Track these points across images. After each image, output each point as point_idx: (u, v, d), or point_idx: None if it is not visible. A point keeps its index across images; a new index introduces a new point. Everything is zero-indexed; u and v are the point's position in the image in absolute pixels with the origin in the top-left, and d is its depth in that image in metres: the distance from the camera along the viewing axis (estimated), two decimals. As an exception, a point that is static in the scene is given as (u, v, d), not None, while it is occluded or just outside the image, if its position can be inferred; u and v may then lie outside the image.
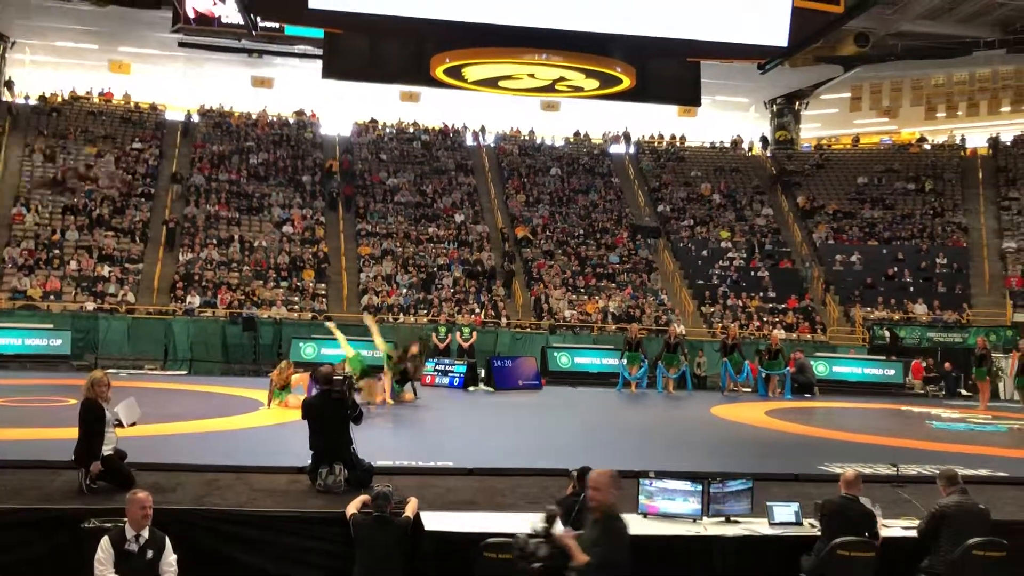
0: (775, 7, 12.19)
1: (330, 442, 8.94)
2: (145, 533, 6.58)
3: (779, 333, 24.50)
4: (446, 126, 37.84)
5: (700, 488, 8.05)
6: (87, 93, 36.13)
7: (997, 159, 36.17)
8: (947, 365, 24.33)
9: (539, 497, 8.78)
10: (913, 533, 7.58)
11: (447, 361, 21.07)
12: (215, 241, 28.16)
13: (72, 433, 10.75)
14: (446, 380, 20.30)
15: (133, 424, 9.15)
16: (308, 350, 22.59)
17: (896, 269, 30.99)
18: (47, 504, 7.85)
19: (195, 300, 25.06)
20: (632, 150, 38.72)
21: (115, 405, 8.98)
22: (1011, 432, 16.08)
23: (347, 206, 31.74)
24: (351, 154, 34.81)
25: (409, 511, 7.42)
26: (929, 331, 26.53)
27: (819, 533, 7.46)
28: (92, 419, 8.49)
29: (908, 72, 37.58)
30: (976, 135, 38.33)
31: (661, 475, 8.35)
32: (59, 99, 34.96)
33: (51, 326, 22.30)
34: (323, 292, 27.11)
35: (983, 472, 11.00)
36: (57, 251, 26.40)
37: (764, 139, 40.50)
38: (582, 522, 7.13)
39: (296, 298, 26.36)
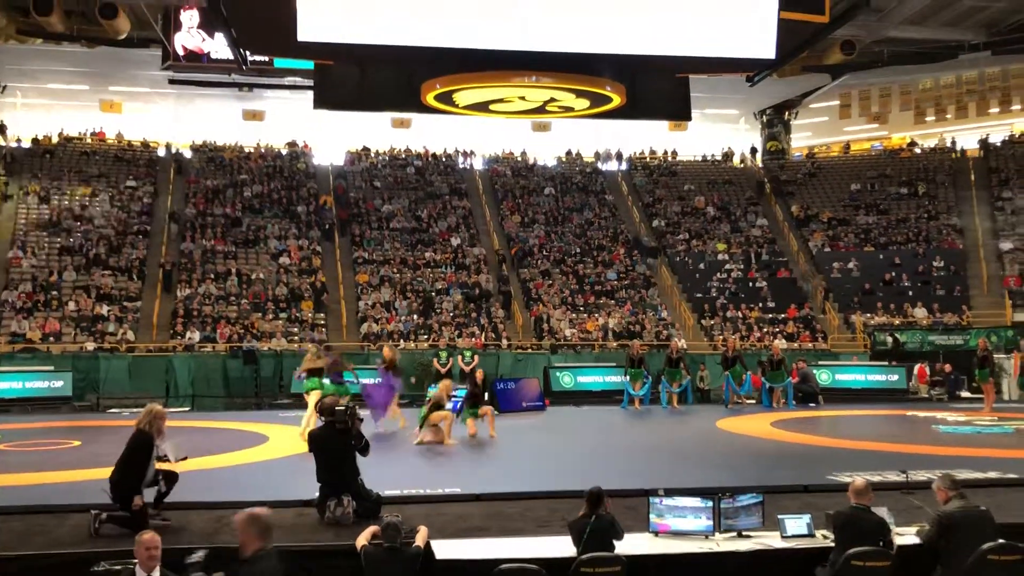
0: (761, 19, 12.26)
1: (337, 474, 8.92)
2: (156, 574, 6.54)
3: (780, 343, 24.49)
4: (426, 150, 37.94)
5: (710, 504, 8.02)
6: (80, 134, 36.27)
7: (988, 160, 36.32)
8: (946, 367, 24.27)
9: (549, 520, 8.75)
10: (926, 540, 7.52)
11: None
12: (212, 276, 28.17)
13: (78, 475, 10.71)
14: (449, 405, 20.13)
15: (183, 459, 9.15)
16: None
17: (894, 274, 31.03)
18: (55, 549, 7.80)
19: (195, 335, 25.02)
20: (625, 167, 38.86)
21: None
22: (1017, 433, 16.04)
23: (342, 231, 31.80)
24: (344, 180, 34.93)
25: (420, 540, 7.37)
26: (930, 334, 26.52)
27: (832, 544, 7.41)
28: (140, 452, 8.61)
29: (896, 77, 37.79)
30: (966, 137, 38.51)
31: (671, 492, 8.31)
32: (52, 141, 35.10)
33: (51, 368, 22.22)
34: (322, 322, 27.09)
35: (992, 475, 10.98)
36: (55, 292, 26.40)
37: (754, 150, 40.66)
38: (592, 545, 7.10)
39: (296, 329, 26.33)
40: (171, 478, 8.89)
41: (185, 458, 9.24)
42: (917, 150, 38.97)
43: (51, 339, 24.52)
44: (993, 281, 30.14)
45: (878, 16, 30.13)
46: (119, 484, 8.48)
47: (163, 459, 8.83)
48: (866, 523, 7.29)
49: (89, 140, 36.21)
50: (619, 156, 39.06)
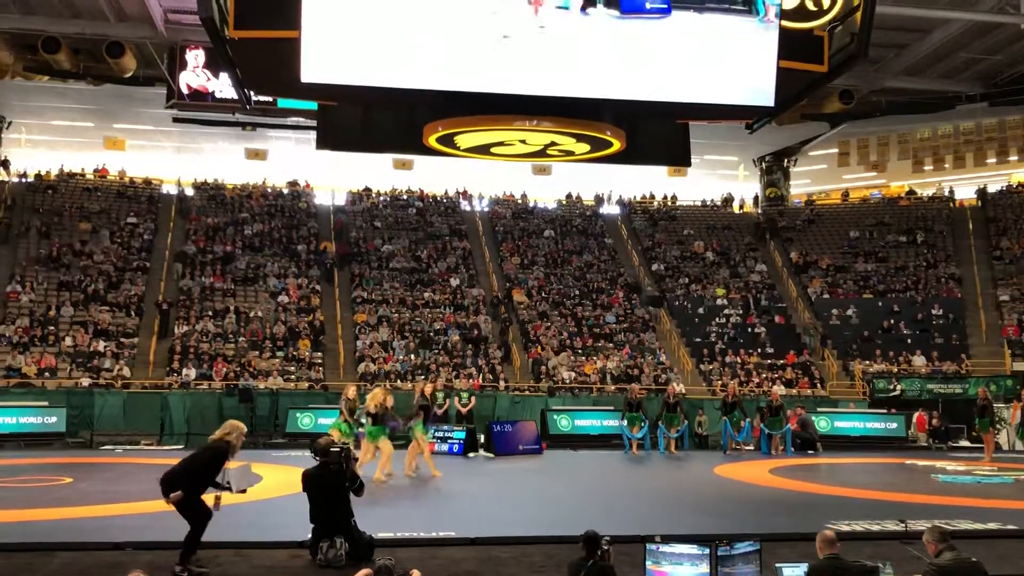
0: (760, 68, 12.39)
1: (330, 515, 8.84)
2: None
3: (779, 389, 24.40)
4: (421, 191, 38.20)
5: (708, 551, 7.91)
6: (82, 170, 36.47)
7: (986, 210, 36.54)
8: (934, 419, 23.98)
9: (544, 565, 8.64)
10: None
11: (446, 427, 20.86)
12: (211, 313, 28.15)
13: (68, 513, 10.60)
14: (445, 447, 20.08)
15: (242, 491, 9.01)
16: (305, 420, 22.43)
17: (892, 321, 31.02)
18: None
19: (191, 373, 24.93)
20: (624, 210, 39.06)
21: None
22: (1017, 483, 15.93)
23: (340, 266, 31.86)
24: (344, 214, 35.10)
25: (412, 584, 7.27)
26: (929, 383, 26.44)
27: None
28: (218, 459, 8.53)
29: (894, 127, 38.17)
30: (964, 187, 38.78)
31: (667, 539, 8.20)
32: (54, 176, 35.28)
33: (46, 404, 22.09)
34: (319, 361, 27.00)
35: (992, 525, 10.88)
36: (52, 327, 26.35)
37: (757, 199, 40.90)
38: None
39: (293, 368, 26.24)
40: (205, 519, 8.55)
41: (244, 491, 9.10)
42: (914, 198, 39.20)
43: (46, 374, 24.41)
44: (992, 330, 30.13)
45: (876, 67, 30.58)
46: (179, 477, 8.34)
47: (225, 487, 8.70)
48: (850, 570, 7.18)
49: (91, 176, 36.42)
50: (621, 203, 39.27)
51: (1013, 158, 37.97)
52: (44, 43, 26.21)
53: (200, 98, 27.94)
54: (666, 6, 11.71)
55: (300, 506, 9.25)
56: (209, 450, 8.60)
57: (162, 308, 27.59)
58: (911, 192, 39.97)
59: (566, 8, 11.60)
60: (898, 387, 26.07)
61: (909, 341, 30.01)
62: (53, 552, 8.84)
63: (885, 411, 24.85)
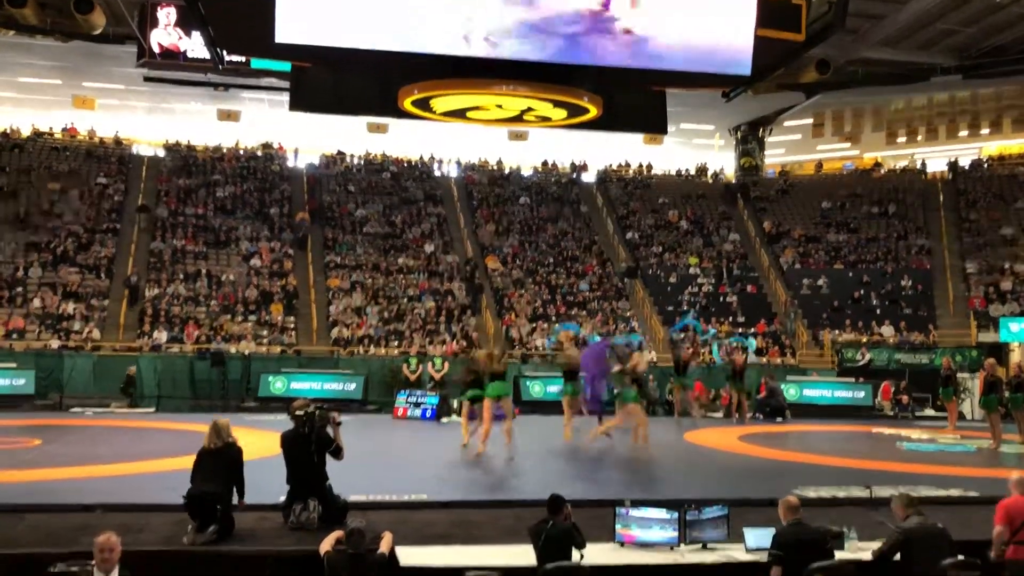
0: (738, 36, 12.36)
1: (304, 477, 8.86)
2: (115, 575, 6.45)
3: (741, 356, 24.40)
4: (398, 159, 37.92)
5: (676, 515, 8.04)
6: (50, 129, 35.78)
7: (957, 182, 36.87)
8: (885, 388, 24.56)
9: (515, 528, 8.71)
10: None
11: (419, 393, 20.93)
12: (182, 276, 27.88)
13: (37, 475, 10.52)
14: (418, 412, 20.16)
15: None
16: (277, 384, 22.36)
17: (862, 292, 31.35)
18: (11, 549, 7.66)
19: (162, 336, 24.73)
20: (600, 178, 39.00)
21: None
22: (979, 452, 16.25)
23: (313, 219, 31.71)
24: (319, 182, 34.82)
25: (384, 547, 7.32)
26: (897, 353, 26.82)
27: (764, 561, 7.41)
28: (241, 465, 8.95)
29: (869, 98, 38.27)
30: (936, 159, 39.10)
31: (637, 503, 8.32)
32: (22, 135, 34.60)
33: (14, 365, 21.86)
34: (292, 326, 26.88)
35: (954, 492, 11.10)
36: (20, 289, 26.00)
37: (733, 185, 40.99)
38: (549, 551, 7.11)
39: (265, 332, 26.10)
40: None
41: None
42: (884, 170, 39.44)
43: (14, 336, 24.13)
44: (959, 302, 30.54)
45: (853, 37, 30.55)
46: (224, 495, 8.52)
47: None
48: (809, 536, 7.32)
49: (60, 135, 35.76)
50: (600, 178, 39.13)
51: (985, 131, 38.31)
52: (10, -3, 25.51)
53: (172, 57, 27.39)
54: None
55: (270, 470, 9.25)
56: (232, 460, 8.85)
57: (131, 280, 27.00)
58: (880, 164, 40.19)
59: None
60: (866, 356, 26.43)
61: (878, 311, 30.36)
62: (21, 514, 8.79)
63: (853, 380, 25.20)
